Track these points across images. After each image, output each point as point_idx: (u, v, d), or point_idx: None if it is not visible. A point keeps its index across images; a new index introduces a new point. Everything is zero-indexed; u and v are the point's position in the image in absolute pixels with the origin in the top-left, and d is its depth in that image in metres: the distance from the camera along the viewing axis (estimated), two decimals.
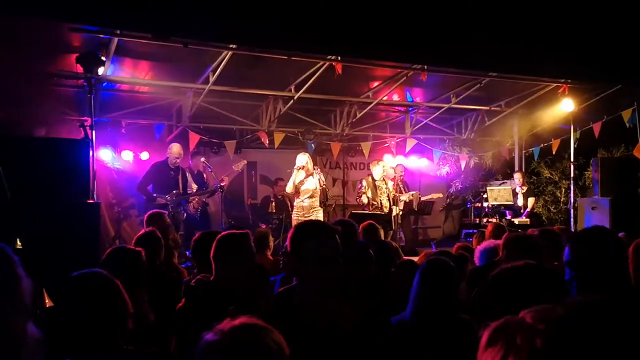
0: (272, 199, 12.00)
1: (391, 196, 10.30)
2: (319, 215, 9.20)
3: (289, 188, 9.35)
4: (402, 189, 10.86)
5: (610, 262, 2.56)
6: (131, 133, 10.69)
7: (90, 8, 5.70)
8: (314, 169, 9.30)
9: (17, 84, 6.67)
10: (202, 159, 10.33)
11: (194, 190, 9.65)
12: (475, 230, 9.65)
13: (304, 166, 9.17)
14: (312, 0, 5.92)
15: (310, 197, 9.17)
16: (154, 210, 6.49)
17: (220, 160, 11.62)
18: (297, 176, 9.21)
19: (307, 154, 9.44)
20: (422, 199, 11.79)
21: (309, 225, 2.87)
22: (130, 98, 10.27)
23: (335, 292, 2.69)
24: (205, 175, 10.54)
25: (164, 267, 4.78)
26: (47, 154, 5.40)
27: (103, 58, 7.63)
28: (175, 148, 9.53)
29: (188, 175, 9.81)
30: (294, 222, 8.84)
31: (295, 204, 9.44)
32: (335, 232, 2.69)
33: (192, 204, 9.57)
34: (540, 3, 6.43)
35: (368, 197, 10.11)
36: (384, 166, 10.52)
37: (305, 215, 9.07)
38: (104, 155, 10.42)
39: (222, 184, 9.51)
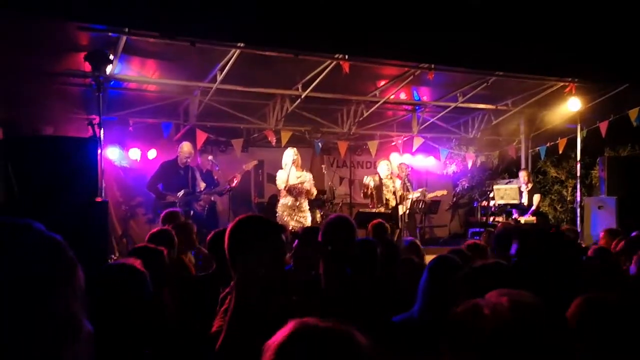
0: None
1: (398, 194, 10.30)
2: (306, 215, 8.95)
3: (281, 184, 8.92)
4: (408, 187, 10.86)
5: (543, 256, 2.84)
6: (138, 131, 10.73)
7: (98, 7, 5.73)
8: (304, 170, 9.10)
9: (25, 83, 6.69)
10: (210, 157, 10.36)
11: (202, 189, 9.67)
12: (482, 229, 9.63)
13: (294, 160, 8.82)
14: None
15: (296, 196, 8.91)
16: (170, 209, 6.55)
17: (227, 159, 11.65)
18: (291, 172, 8.81)
19: (294, 149, 9.06)
20: (428, 196, 11.76)
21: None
22: (137, 96, 10.29)
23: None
24: (214, 174, 10.56)
25: (173, 264, 4.80)
26: (55, 153, 5.39)
27: (111, 57, 7.64)
28: (186, 147, 9.55)
29: (197, 173, 9.83)
30: (278, 220, 8.43)
31: (280, 202, 9.10)
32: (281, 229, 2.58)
33: (199, 202, 9.60)
34: (548, 2, 6.42)
35: (372, 188, 10.14)
36: (387, 165, 10.52)
37: (292, 215, 8.83)
38: (111, 153, 10.45)
39: (232, 184, 9.49)
